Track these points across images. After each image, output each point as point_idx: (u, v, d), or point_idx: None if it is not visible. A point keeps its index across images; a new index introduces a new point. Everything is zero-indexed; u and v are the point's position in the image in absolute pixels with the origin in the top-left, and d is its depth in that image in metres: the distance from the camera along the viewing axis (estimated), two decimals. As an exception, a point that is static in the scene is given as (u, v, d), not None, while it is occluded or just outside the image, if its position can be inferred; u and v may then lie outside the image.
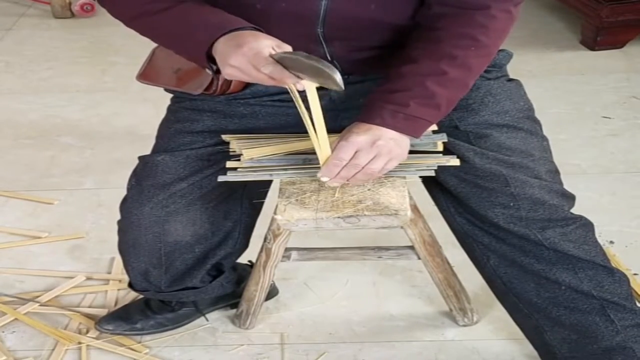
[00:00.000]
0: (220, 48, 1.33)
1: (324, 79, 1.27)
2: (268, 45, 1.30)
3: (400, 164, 1.39)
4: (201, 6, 1.40)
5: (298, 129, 1.43)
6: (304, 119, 1.35)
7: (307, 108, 1.35)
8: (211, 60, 1.36)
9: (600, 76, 2.97)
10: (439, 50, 1.36)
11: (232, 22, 1.35)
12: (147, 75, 1.60)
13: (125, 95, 2.99)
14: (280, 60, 1.29)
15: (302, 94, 1.33)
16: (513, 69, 1.62)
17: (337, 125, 1.46)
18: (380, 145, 1.34)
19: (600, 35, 3.14)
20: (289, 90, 1.33)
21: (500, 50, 1.55)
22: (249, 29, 1.34)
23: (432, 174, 1.43)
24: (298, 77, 1.29)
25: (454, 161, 1.45)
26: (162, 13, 1.40)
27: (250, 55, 1.29)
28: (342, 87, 1.26)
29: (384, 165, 1.36)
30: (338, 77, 1.25)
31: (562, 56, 3.17)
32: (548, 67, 3.09)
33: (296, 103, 1.34)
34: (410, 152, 1.40)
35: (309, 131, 1.36)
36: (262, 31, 1.35)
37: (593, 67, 3.05)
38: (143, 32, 1.46)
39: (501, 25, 1.38)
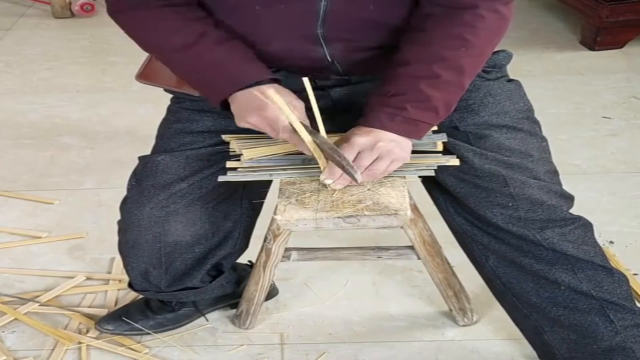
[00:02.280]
0: (239, 103, 1.40)
1: (345, 171, 1.35)
2: (286, 105, 1.36)
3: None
4: (219, 45, 1.41)
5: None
6: (296, 127, 1.37)
7: (308, 109, 1.36)
8: (225, 102, 1.42)
9: (600, 76, 2.97)
10: (430, 52, 1.36)
11: (251, 73, 1.40)
12: (146, 75, 1.61)
13: (125, 95, 2.99)
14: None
15: (304, 95, 1.36)
16: (513, 69, 1.62)
17: (337, 125, 1.46)
18: (382, 147, 1.34)
19: (600, 35, 3.14)
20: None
21: (500, 51, 1.56)
22: (267, 81, 1.40)
23: (432, 173, 1.43)
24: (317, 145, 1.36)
25: (454, 161, 1.45)
26: (179, 52, 1.42)
27: (271, 120, 1.37)
28: (360, 180, 1.34)
29: (387, 166, 1.37)
30: (359, 176, 1.33)
31: (562, 56, 3.17)
32: (548, 67, 3.09)
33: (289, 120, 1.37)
34: (411, 152, 1.41)
35: (304, 136, 1.37)
36: (279, 81, 1.41)
37: (593, 67, 3.05)
38: (160, 61, 1.51)
39: (491, 25, 1.38)
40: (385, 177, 1.43)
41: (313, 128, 1.38)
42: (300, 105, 1.38)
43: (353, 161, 1.35)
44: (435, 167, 1.43)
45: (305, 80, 1.35)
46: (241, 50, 1.42)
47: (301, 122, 1.37)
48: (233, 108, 1.41)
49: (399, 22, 1.43)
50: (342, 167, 1.34)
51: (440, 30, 1.37)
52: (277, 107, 1.36)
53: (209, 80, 1.42)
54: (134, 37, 1.47)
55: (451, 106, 1.40)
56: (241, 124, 1.41)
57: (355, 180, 1.33)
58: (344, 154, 1.34)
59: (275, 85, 1.40)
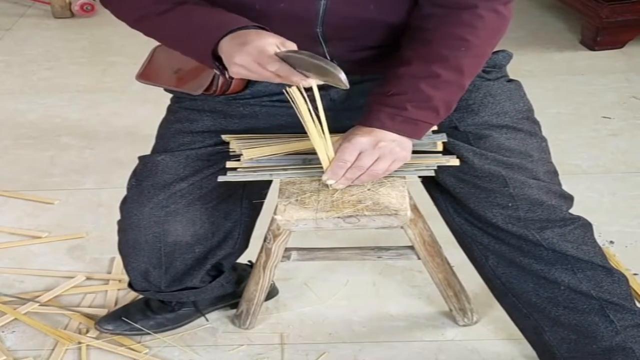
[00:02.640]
0: (226, 47, 1.34)
1: (330, 77, 1.28)
2: (272, 43, 1.30)
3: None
4: (204, 7, 1.40)
5: (298, 129, 1.43)
6: (303, 122, 1.35)
7: (308, 109, 1.35)
8: (218, 59, 1.37)
9: (600, 76, 2.97)
10: (430, 52, 1.36)
11: (236, 21, 1.36)
12: (146, 75, 1.61)
13: (125, 95, 2.99)
14: (285, 59, 1.30)
15: (309, 92, 1.33)
16: (513, 69, 1.62)
17: (337, 125, 1.46)
18: (383, 146, 1.34)
19: (600, 35, 3.14)
20: (287, 96, 1.34)
21: (500, 51, 1.56)
22: (253, 27, 1.35)
23: (432, 174, 1.43)
24: (304, 75, 1.30)
25: (454, 161, 1.45)
26: (165, 14, 1.40)
27: (255, 54, 1.30)
28: (347, 85, 1.27)
29: (388, 166, 1.37)
30: (343, 76, 1.26)
31: (562, 56, 3.17)
32: (548, 67, 3.09)
33: (295, 108, 1.34)
34: (414, 153, 1.41)
35: (309, 133, 1.36)
36: (266, 29, 1.35)
37: (593, 67, 3.05)
38: (147, 34, 1.47)
39: (490, 25, 1.38)
40: (385, 177, 1.43)
41: (315, 129, 1.37)
42: (291, 44, 1.33)
43: (354, 161, 1.35)
44: (435, 167, 1.43)
45: (314, 82, 1.33)
46: (223, 10, 1.40)
47: (286, 51, 1.31)
48: (223, 57, 1.36)
49: (398, 22, 1.43)
50: (329, 70, 1.27)
51: (441, 30, 1.37)
52: (260, 40, 1.31)
53: (196, 36, 1.38)
54: (121, 16, 1.46)
55: (451, 106, 1.40)
56: (232, 69, 1.34)
57: (343, 83, 1.27)
58: (340, 156, 1.34)
59: (260, 30, 1.35)
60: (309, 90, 1.34)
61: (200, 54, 1.40)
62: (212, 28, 1.36)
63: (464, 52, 1.36)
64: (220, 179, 1.46)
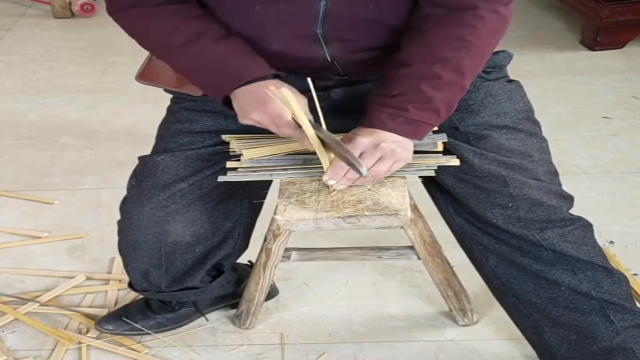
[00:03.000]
0: (242, 99, 1.39)
1: (349, 165, 1.34)
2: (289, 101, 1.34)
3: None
4: (220, 42, 1.40)
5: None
6: (302, 125, 1.36)
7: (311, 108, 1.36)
8: (227, 100, 1.41)
9: (600, 76, 2.97)
10: (431, 53, 1.36)
11: (253, 69, 1.39)
12: (146, 75, 1.61)
13: (125, 95, 2.99)
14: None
15: (308, 94, 1.36)
16: (513, 69, 1.62)
17: (338, 126, 1.46)
18: (384, 147, 1.34)
19: (600, 35, 3.14)
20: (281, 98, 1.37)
21: (500, 51, 1.55)
22: (270, 77, 1.39)
23: (432, 174, 1.43)
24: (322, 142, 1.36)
25: (454, 161, 1.45)
26: (181, 49, 1.41)
27: (274, 116, 1.35)
28: (365, 174, 1.33)
29: (390, 167, 1.37)
30: (364, 170, 1.32)
31: (562, 56, 3.17)
32: (548, 67, 3.09)
33: (293, 113, 1.36)
34: (414, 153, 1.41)
35: (308, 134, 1.37)
36: (281, 77, 1.40)
37: (593, 67, 3.05)
38: (162, 59, 1.49)
39: (491, 26, 1.38)
40: (385, 177, 1.43)
41: (319, 127, 1.38)
42: (304, 100, 1.38)
43: None
44: (436, 167, 1.43)
45: (309, 80, 1.34)
46: (242, 47, 1.41)
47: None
48: (235, 105, 1.40)
49: (399, 22, 1.43)
50: (347, 161, 1.33)
51: (441, 31, 1.37)
52: (279, 102, 1.35)
53: (211, 78, 1.42)
54: (134, 36, 1.47)
55: (452, 107, 1.39)
56: (244, 120, 1.40)
57: (361, 174, 1.32)
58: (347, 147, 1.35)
59: (278, 81, 1.40)
60: (308, 90, 1.34)
61: (212, 95, 1.45)
62: (228, 74, 1.39)
63: (465, 52, 1.36)
64: (220, 179, 1.46)
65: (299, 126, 1.35)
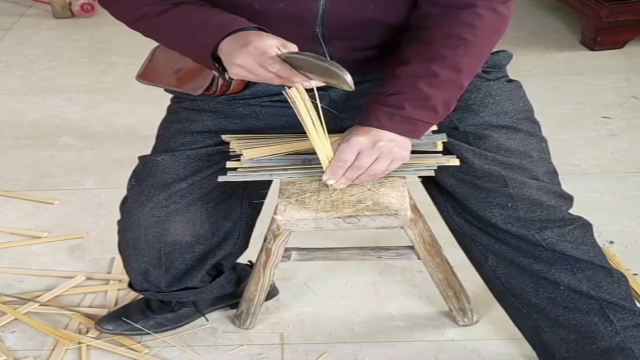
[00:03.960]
0: (225, 48, 1.34)
1: (333, 79, 1.27)
2: (273, 44, 1.30)
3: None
4: (202, 7, 1.40)
5: (298, 129, 1.43)
6: (302, 123, 1.35)
7: (307, 110, 1.35)
8: (217, 60, 1.37)
9: (600, 76, 2.97)
10: (429, 51, 1.36)
11: (236, 22, 1.36)
12: (147, 75, 1.61)
13: (125, 95, 2.99)
14: (287, 60, 1.29)
15: (310, 93, 1.33)
16: (513, 69, 1.62)
17: (337, 125, 1.46)
18: (382, 146, 1.34)
19: (600, 35, 3.14)
20: (287, 96, 1.33)
21: (500, 51, 1.56)
22: (253, 29, 1.35)
23: (432, 174, 1.43)
24: (306, 76, 1.29)
25: (454, 161, 1.45)
26: (163, 15, 1.40)
27: (256, 54, 1.30)
28: (352, 87, 1.27)
29: (387, 166, 1.37)
30: (348, 77, 1.26)
31: (562, 56, 3.17)
32: (548, 67, 3.09)
33: (294, 109, 1.34)
34: (411, 152, 1.41)
35: (308, 134, 1.36)
36: (266, 31, 1.35)
37: (593, 67, 3.05)
38: (146, 34, 1.47)
39: (489, 24, 1.38)
40: (385, 177, 1.43)
41: (314, 130, 1.37)
42: (292, 45, 1.33)
43: (354, 161, 1.35)
44: (435, 167, 1.43)
45: (315, 84, 1.33)
46: (222, 10, 1.39)
47: (287, 53, 1.30)
48: (223, 58, 1.36)
49: (398, 22, 1.43)
50: (335, 71, 1.27)
51: (439, 29, 1.37)
52: (262, 40, 1.30)
53: (196, 37, 1.38)
54: (121, 17, 1.46)
55: (450, 105, 1.39)
56: (232, 70, 1.34)
57: (349, 84, 1.26)
58: (339, 156, 1.34)
59: (260, 31, 1.35)
60: (309, 90, 1.34)
61: (199, 55, 1.39)
62: (211, 29, 1.36)
63: (463, 51, 1.36)
64: (220, 179, 1.46)
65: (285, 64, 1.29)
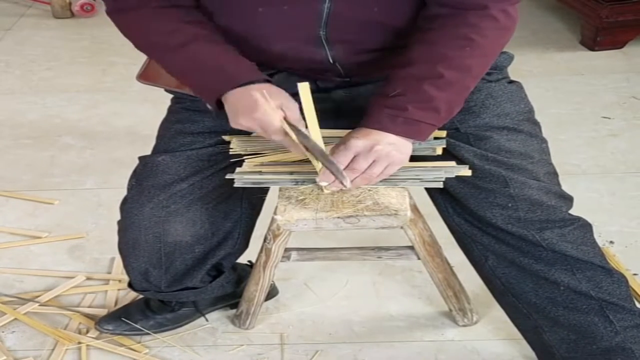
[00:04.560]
0: (232, 103, 1.39)
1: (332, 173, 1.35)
2: (278, 117, 1.35)
3: (406, 172, 1.40)
4: (214, 46, 1.41)
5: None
6: (287, 130, 1.37)
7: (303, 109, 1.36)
8: (219, 102, 1.41)
9: (600, 76, 2.97)
10: (435, 52, 1.36)
11: (245, 73, 1.39)
12: (147, 75, 1.61)
13: (125, 95, 2.99)
14: (292, 129, 1.35)
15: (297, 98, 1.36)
16: (513, 69, 1.62)
17: (340, 128, 1.46)
18: (379, 150, 1.34)
19: (600, 35, 3.14)
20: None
21: (501, 52, 1.55)
22: (261, 81, 1.38)
23: (440, 185, 1.42)
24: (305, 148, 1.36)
25: (465, 171, 1.44)
26: (176, 51, 1.41)
27: (262, 122, 1.35)
28: (348, 186, 1.34)
29: (383, 170, 1.36)
30: (347, 182, 1.33)
31: (562, 56, 3.17)
32: (548, 67, 3.09)
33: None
34: (413, 158, 1.40)
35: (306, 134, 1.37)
36: (272, 82, 1.39)
37: (593, 67, 3.05)
38: (157, 61, 1.50)
39: (500, 25, 1.38)
40: (392, 188, 1.42)
41: (310, 134, 1.37)
42: (294, 106, 1.37)
43: (349, 164, 1.34)
44: (444, 179, 1.41)
45: (304, 85, 1.34)
46: (235, 53, 1.42)
47: (292, 125, 1.35)
48: (226, 108, 1.40)
49: (401, 24, 1.43)
50: (331, 172, 1.33)
51: (447, 30, 1.36)
52: (268, 108, 1.34)
53: (204, 79, 1.41)
54: (130, 36, 1.47)
55: (454, 107, 1.39)
56: (234, 125, 1.40)
57: (344, 185, 1.33)
58: (334, 158, 1.35)
59: (268, 85, 1.39)
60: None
61: (204, 98, 1.45)
62: (220, 77, 1.39)
63: (469, 52, 1.36)
64: (228, 176, 1.46)
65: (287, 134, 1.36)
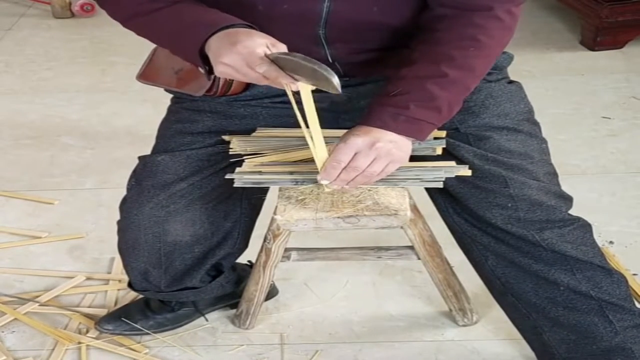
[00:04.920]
0: (214, 46, 1.32)
1: (321, 81, 1.25)
2: (263, 43, 1.29)
3: (406, 172, 1.40)
4: (196, 5, 1.40)
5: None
6: (300, 122, 1.35)
7: (303, 110, 1.34)
8: (205, 59, 1.35)
9: (600, 76, 2.97)
10: (439, 52, 1.36)
11: (225, 19, 1.35)
12: (147, 75, 1.61)
13: (125, 95, 2.99)
14: (275, 61, 1.27)
15: (298, 96, 1.32)
16: (513, 70, 1.62)
17: (339, 127, 1.46)
18: (380, 147, 1.33)
19: (600, 35, 3.14)
20: (287, 94, 1.32)
21: (501, 53, 1.55)
22: (243, 26, 1.34)
23: (440, 185, 1.42)
24: (293, 78, 1.28)
25: (465, 171, 1.44)
26: (156, 12, 1.39)
27: (245, 54, 1.28)
28: (339, 90, 1.25)
29: (384, 167, 1.35)
30: (335, 80, 1.23)
31: (562, 56, 3.17)
32: (548, 67, 3.09)
33: (294, 106, 1.33)
34: (412, 157, 1.40)
35: (304, 133, 1.36)
36: (255, 29, 1.34)
37: (593, 67, 3.05)
38: (139, 32, 1.46)
39: (504, 26, 1.38)
40: (391, 188, 1.42)
41: (311, 133, 1.36)
42: (282, 45, 1.31)
43: (349, 162, 1.34)
44: (444, 179, 1.41)
45: (305, 85, 1.33)
46: (217, 10, 1.39)
47: (276, 53, 1.29)
48: (210, 56, 1.34)
49: (401, 24, 1.43)
50: (317, 76, 1.25)
51: (452, 30, 1.36)
52: (251, 39, 1.29)
53: (184, 34, 1.38)
54: (111, 8, 1.46)
55: (454, 107, 1.39)
56: (218, 68, 1.33)
57: (335, 86, 1.24)
58: (335, 156, 1.32)
59: (250, 29, 1.34)
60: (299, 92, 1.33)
61: (188, 52, 1.38)
62: (201, 26, 1.34)
63: (474, 52, 1.35)
64: (228, 176, 1.45)
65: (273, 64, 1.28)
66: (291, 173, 1.44)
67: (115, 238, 1.66)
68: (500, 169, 1.46)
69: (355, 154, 1.34)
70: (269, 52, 1.28)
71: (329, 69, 1.24)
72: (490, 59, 1.42)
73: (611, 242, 2.04)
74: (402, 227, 1.55)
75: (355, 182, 1.37)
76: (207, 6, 1.40)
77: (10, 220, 2.27)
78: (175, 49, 1.44)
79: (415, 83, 1.34)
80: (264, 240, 1.63)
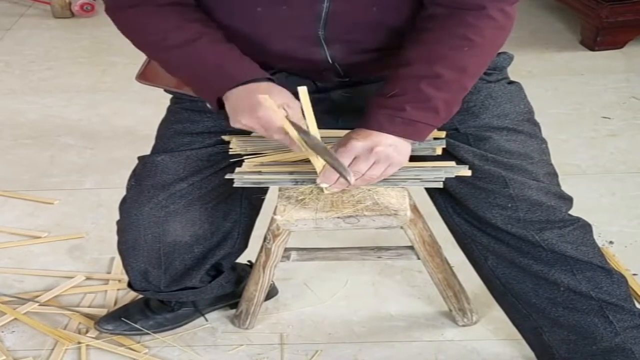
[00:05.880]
0: (233, 102, 1.37)
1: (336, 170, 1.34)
2: (281, 115, 1.34)
3: (406, 172, 1.40)
4: (217, 45, 1.40)
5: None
6: (287, 129, 1.36)
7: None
8: (220, 101, 1.40)
9: (599, 76, 2.97)
10: (433, 52, 1.35)
11: (246, 71, 1.38)
12: (146, 75, 1.61)
13: (125, 95, 2.99)
14: (296, 129, 1.34)
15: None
16: (513, 70, 1.62)
17: (338, 128, 1.46)
18: (379, 151, 1.34)
19: (600, 35, 3.14)
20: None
21: (501, 53, 1.55)
22: (263, 79, 1.38)
23: (440, 185, 1.42)
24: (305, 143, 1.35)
25: (465, 172, 1.44)
26: (177, 49, 1.40)
27: (264, 122, 1.34)
28: (352, 182, 1.32)
29: (383, 171, 1.36)
30: (351, 178, 1.32)
31: (561, 56, 3.17)
32: (548, 67, 3.09)
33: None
34: (412, 158, 1.40)
35: (294, 135, 1.36)
36: (274, 81, 1.39)
37: (593, 67, 3.05)
38: (157, 62, 1.49)
39: (497, 25, 1.37)
40: (391, 188, 1.42)
41: (309, 133, 1.37)
42: (296, 105, 1.37)
43: (349, 166, 1.34)
44: (443, 179, 1.41)
45: (303, 89, 1.34)
46: (238, 52, 1.41)
47: (294, 123, 1.34)
48: (227, 107, 1.39)
49: (400, 25, 1.43)
50: (335, 169, 1.33)
51: (445, 30, 1.36)
52: (269, 108, 1.34)
53: (205, 78, 1.41)
54: (130, 35, 1.46)
55: (452, 107, 1.38)
56: (234, 124, 1.39)
57: (348, 182, 1.32)
58: (337, 156, 1.34)
59: (270, 84, 1.39)
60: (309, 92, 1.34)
61: (205, 96, 1.44)
62: (222, 76, 1.38)
63: (467, 51, 1.35)
64: (228, 176, 1.45)
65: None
66: (291, 173, 1.44)
67: (115, 238, 1.66)
68: (500, 170, 1.46)
69: (355, 158, 1.34)
70: (286, 119, 1.34)
71: (343, 165, 1.32)
72: (484, 58, 1.41)
73: (611, 242, 2.04)
74: (402, 227, 1.55)
75: (354, 185, 1.37)
76: (225, 43, 1.41)
77: (10, 220, 2.27)
78: (191, 87, 1.49)
79: (409, 84, 1.34)
80: (264, 240, 1.63)
